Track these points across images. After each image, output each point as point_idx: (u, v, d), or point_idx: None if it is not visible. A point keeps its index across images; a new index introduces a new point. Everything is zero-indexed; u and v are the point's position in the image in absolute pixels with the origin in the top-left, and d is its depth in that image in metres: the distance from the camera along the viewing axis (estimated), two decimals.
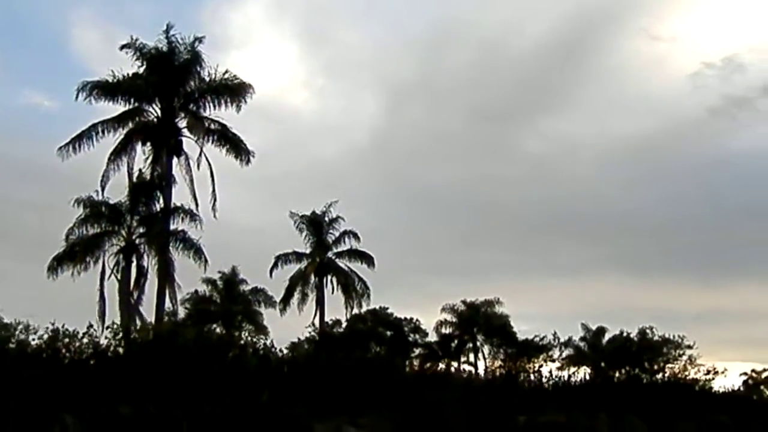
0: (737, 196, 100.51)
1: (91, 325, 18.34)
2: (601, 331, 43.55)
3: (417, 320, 52.44)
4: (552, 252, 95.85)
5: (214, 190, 34.73)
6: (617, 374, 35.91)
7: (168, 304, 32.29)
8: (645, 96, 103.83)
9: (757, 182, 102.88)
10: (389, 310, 51.28)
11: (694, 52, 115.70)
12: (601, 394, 27.28)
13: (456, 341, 51.37)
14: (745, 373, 62.97)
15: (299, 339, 31.63)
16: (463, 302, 52.48)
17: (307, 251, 48.60)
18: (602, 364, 36.47)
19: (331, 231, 49.75)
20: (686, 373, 34.59)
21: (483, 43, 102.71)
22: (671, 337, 35.55)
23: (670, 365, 35.18)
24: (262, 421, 18.03)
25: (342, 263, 49.36)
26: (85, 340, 18.29)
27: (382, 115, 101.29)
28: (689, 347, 35.17)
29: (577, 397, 25.59)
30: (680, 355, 35.09)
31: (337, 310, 47.62)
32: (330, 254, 49.69)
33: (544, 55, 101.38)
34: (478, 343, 51.39)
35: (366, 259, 48.96)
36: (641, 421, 25.58)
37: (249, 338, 22.13)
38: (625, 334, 36.68)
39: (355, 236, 49.04)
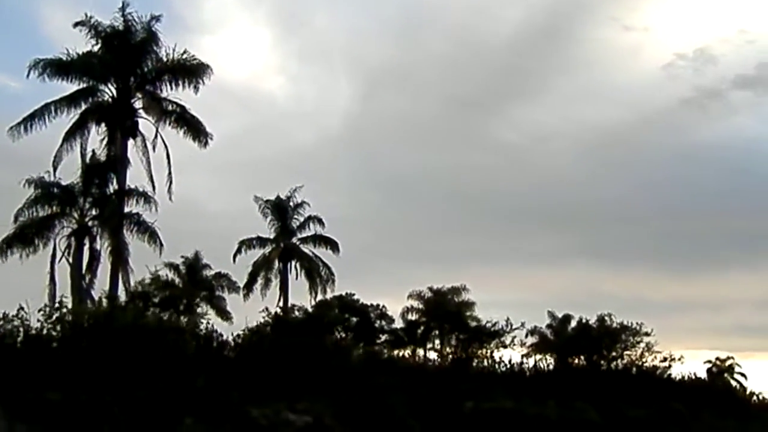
0: (707, 187, 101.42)
1: (21, 308, 17.78)
2: (567, 318, 43.50)
3: (383, 306, 51.93)
4: (524, 240, 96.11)
5: (170, 173, 34.12)
6: (577, 361, 35.94)
7: (121, 287, 31.60)
8: (618, 86, 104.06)
9: (726, 173, 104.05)
10: (355, 296, 50.81)
11: (666, 43, 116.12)
12: (553, 381, 27.31)
13: (422, 328, 51.10)
14: (710, 361, 63.75)
15: (256, 324, 31.10)
16: (430, 289, 52.15)
17: (271, 236, 48.01)
18: (564, 352, 36.38)
19: (295, 216, 49.17)
20: (643, 360, 34.77)
21: (457, 30, 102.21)
22: (629, 324, 35.60)
23: (628, 352, 35.25)
24: (197, 406, 17.66)
25: (306, 249, 48.86)
26: (15, 323, 17.73)
27: (356, 101, 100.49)
28: (647, 334, 35.26)
29: (528, 384, 25.56)
30: (638, 342, 35.18)
31: (303, 296, 47.37)
32: (294, 240, 49.15)
33: (519, 43, 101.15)
34: (445, 330, 51.24)
35: (331, 244, 48.54)
36: (592, 408, 25.59)
37: (193, 322, 21.61)
38: (584, 321, 36.64)
39: (320, 222, 48.53)
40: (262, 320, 33.49)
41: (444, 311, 46.67)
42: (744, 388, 62.68)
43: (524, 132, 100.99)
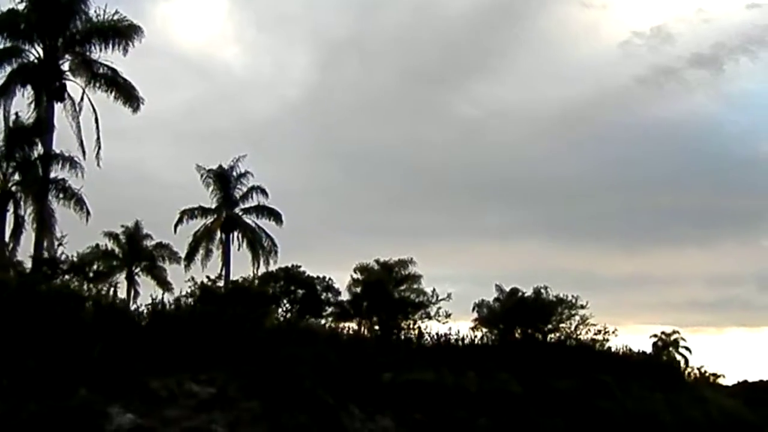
0: (661, 165, 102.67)
1: None
2: (515, 292, 43.40)
3: (330, 279, 51.43)
4: (481, 215, 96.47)
5: (98, 138, 33.18)
6: (515, 335, 35.92)
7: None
8: (575, 63, 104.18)
9: (681, 152, 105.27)
10: (302, 269, 50.18)
11: (624, 21, 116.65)
12: (481, 353, 27.23)
13: (367, 301, 50.57)
14: (656, 335, 64.93)
15: (183, 294, 30.45)
16: (376, 261, 51.73)
17: (213, 207, 47.12)
18: (501, 326, 36.31)
19: (239, 186, 48.23)
20: (578, 333, 34.92)
21: (416, 3, 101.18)
22: (565, 297, 35.64)
23: (563, 325, 35.32)
24: (93, 376, 17.01)
25: (249, 219, 48.07)
26: None
27: (314, 72, 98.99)
28: (582, 307, 35.35)
29: (454, 357, 25.39)
30: (572, 315, 35.26)
31: (248, 267, 46.77)
32: (237, 210, 48.29)
33: (477, 18, 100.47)
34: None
35: (274, 215, 47.83)
36: (514, 379, 25.52)
37: (103, 291, 20.87)
38: (520, 294, 36.57)
39: (263, 192, 47.71)
40: (188, 290, 32.80)
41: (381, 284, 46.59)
42: (687, 361, 64.13)
43: (482, 107, 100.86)
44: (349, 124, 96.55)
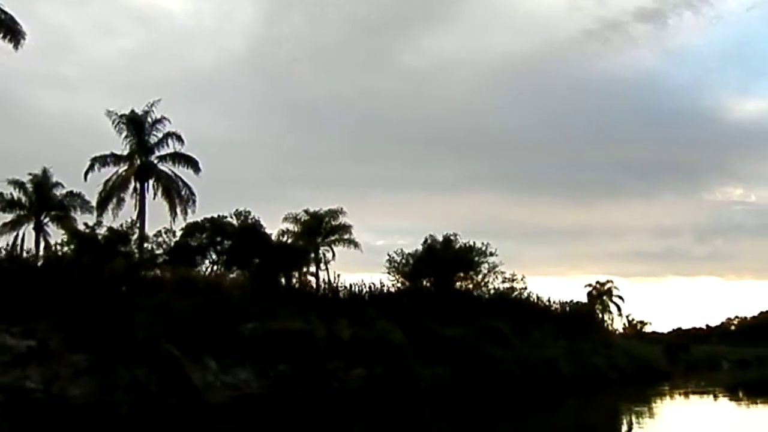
0: (608, 119, 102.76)
1: None
2: (450, 242, 42.41)
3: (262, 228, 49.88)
4: (431, 168, 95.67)
5: None
6: (426, 283, 35.12)
7: None
8: (524, 14, 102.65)
9: (627, 105, 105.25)
10: (228, 219, 48.52)
11: None
12: (373, 302, 26.29)
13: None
14: (590, 285, 64.97)
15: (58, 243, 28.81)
16: (306, 212, 50.55)
17: (126, 153, 44.95)
18: (415, 275, 35.44)
19: (154, 133, 45.97)
20: (486, 281, 34.23)
21: None
22: (474, 245, 34.82)
23: (471, 273, 34.53)
24: None
25: (165, 167, 46.05)
26: None
27: (260, 22, 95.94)
28: (492, 254, 34.59)
29: (325, 304, 24.38)
30: (481, 263, 34.50)
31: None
32: (153, 158, 46.18)
33: None
34: (320, 253, 49.85)
35: (191, 163, 45.84)
36: (397, 327, 24.64)
37: None
38: (429, 242, 35.66)
39: (179, 139, 45.53)
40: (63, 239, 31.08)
41: (318, 234, 45.34)
42: (619, 309, 64.56)
43: (431, 59, 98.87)
44: (296, 76, 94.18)
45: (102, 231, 28.12)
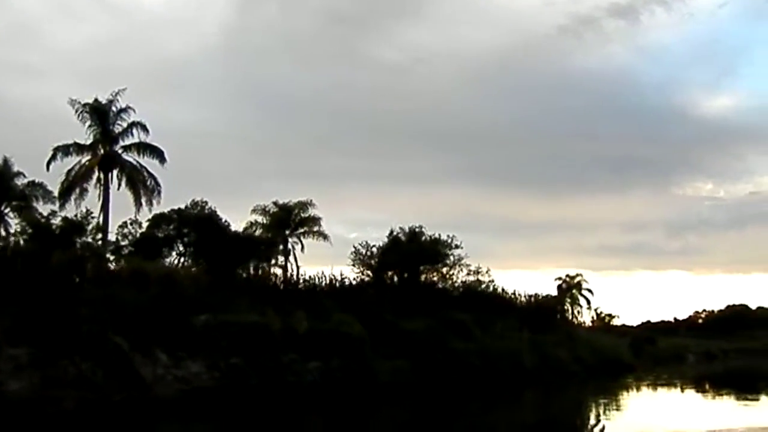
0: (580, 114, 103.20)
1: None
2: (415, 234, 42.18)
3: (226, 221, 49.32)
4: (405, 161, 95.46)
5: None
6: (392, 275, 34.91)
7: None
8: (499, 9, 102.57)
9: (598, 101, 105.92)
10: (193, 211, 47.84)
11: None
12: (312, 294, 26.01)
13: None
14: (560, 278, 65.18)
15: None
16: (275, 203, 50.04)
17: (89, 143, 44.12)
18: (382, 267, 35.17)
19: (119, 122, 45.15)
20: (451, 273, 34.10)
21: None
22: (440, 238, 34.66)
23: (438, 265, 34.37)
24: None
25: (129, 157, 45.29)
26: None
27: (233, 11, 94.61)
28: (457, 247, 34.45)
29: (282, 297, 24.08)
30: (447, 256, 34.31)
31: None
32: (117, 148, 45.39)
33: None
34: (289, 246, 49.40)
35: (157, 153, 45.10)
36: (356, 320, 24.40)
37: None
38: (394, 234, 35.44)
39: (144, 128, 44.79)
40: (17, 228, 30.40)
41: (288, 226, 44.88)
42: (588, 302, 64.91)
43: (406, 52, 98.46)
44: (270, 67, 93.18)
45: (56, 221, 27.62)
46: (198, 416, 17.93)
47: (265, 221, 49.31)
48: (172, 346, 20.01)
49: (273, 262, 50.79)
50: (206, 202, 33.11)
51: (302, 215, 48.89)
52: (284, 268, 48.82)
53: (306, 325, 22.54)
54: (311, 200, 46.67)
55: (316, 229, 49.74)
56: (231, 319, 21.28)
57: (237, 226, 41.06)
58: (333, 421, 18.17)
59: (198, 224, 30.13)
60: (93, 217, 32.22)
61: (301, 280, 28.17)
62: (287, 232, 49.58)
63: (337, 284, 30.03)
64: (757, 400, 23.21)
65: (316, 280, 30.48)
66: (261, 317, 22.00)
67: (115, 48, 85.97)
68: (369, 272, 36.10)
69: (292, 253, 50.28)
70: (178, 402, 18.66)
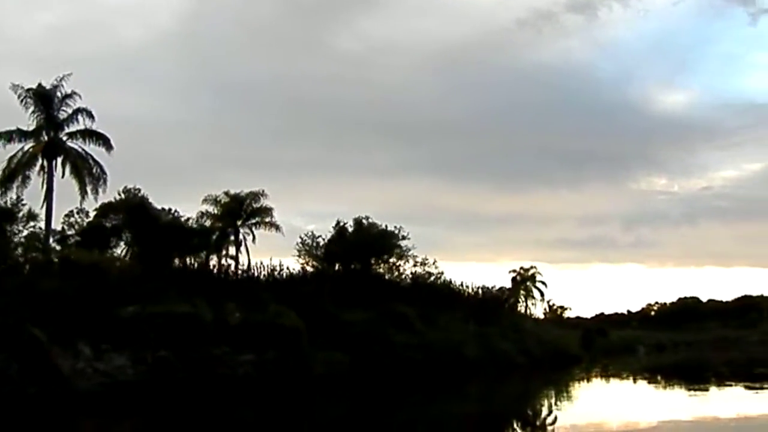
0: (539, 108, 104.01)
1: None
2: (361, 225, 41.68)
3: (176, 211, 48.36)
4: (364, 152, 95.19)
5: None
6: (337, 266, 34.55)
7: None
8: (460, 2, 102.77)
9: (556, 95, 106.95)
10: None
11: None
12: (249, 285, 25.56)
13: (217, 233, 48.07)
14: (514, 270, 65.43)
15: None
16: (226, 194, 49.18)
17: (32, 129, 42.83)
18: (329, 258, 34.79)
19: (63, 108, 43.92)
20: (398, 264, 33.86)
21: None
22: (387, 228, 34.38)
23: (386, 256, 34.10)
24: None
25: (75, 144, 44.08)
26: None
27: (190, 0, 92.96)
28: (404, 238, 34.22)
29: (215, 287, 23.57)
30: (394, 247, 34.04)
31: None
32: (62, 134, 44.15)
33: None
34: (241, 236, 48.66)
35: (103, 140, 44.01)
36: (292, 311, 24.00)
37: None
38: (341, 225, 35.08)
39: (90, 115, 43.65)
40: None
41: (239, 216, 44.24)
42: (542, 295, 65.38)
43: (366, 42, 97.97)
44: (228, 56, 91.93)
45: None
46: (119, 411, 17.36)
47: (216, 211, 48.68)
48: (96, 339, 19.41)
49: (224, 253, 50.25)
50: (139, 190, 32.25)
51: (254, 206, 48.22)
52: (235, 258, 48.11)
53: (238, 316, 22.08)
54: (263, 191, 46.05)
55: (268, 219, 49.12)
56: (160, 311, 20.72)
57: (192, 216, 40.43)
58: (263, 414, 17.73)
59: (129, 211, 29.31)
60: (24, 204, 31.25)
61: (239, 271, 27.55)
62: (239, 223, 49.01)
63: (277, 275, 29.53)
64: (706, 390, 23.35)
65: (255, 271, 30.01)
66: (192, 308, 21.47)
67: (70, 35, 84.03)
68: (315, 263, 35.74)
69: (243, 244, 49.74)
70: (98, 396, 18.05)
